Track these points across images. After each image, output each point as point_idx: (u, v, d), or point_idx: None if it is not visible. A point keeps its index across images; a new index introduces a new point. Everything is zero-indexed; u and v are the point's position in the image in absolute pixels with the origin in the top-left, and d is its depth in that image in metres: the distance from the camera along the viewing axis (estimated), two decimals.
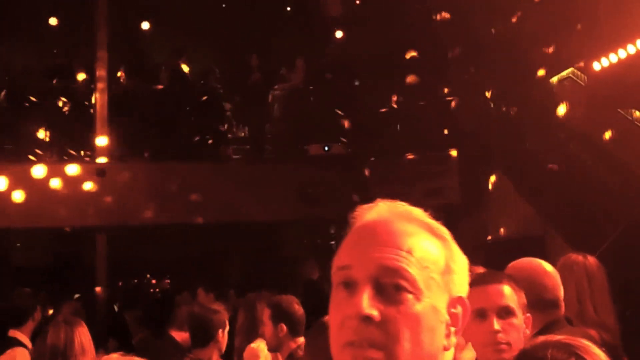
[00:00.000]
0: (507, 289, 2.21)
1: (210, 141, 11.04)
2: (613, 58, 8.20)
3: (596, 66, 8.48)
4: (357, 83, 11.17)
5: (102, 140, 10.22)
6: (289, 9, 13.01)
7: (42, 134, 10.63)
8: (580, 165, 8.92)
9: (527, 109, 9.28)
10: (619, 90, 8.53)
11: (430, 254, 1.17)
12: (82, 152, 10.43)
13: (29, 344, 4.73)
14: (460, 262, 1.23)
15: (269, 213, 10.44)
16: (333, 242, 13.08)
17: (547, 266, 2.75)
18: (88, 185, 9.78)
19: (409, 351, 1.10)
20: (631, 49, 7.90)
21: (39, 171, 9.59)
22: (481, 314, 2.15)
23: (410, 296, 1.12)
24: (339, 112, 10.97)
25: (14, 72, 11.18)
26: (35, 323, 4.91)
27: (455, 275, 1.21)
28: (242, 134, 11.95)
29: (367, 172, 10.29)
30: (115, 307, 9.84)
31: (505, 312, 2.19)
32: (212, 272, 11.29)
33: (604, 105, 8.80)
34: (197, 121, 11.08)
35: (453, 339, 1.19)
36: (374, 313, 1.09)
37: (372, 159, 10.48)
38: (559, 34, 8.71)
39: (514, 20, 8.99)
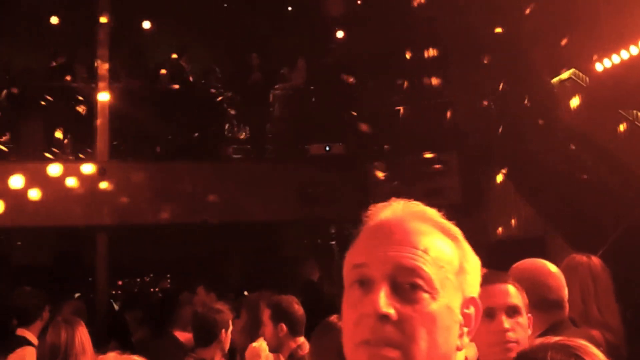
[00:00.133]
0: (512, 288, 2.22)
1: (211, 141, 11.04)
2: (615, 59, 8.20)
3: (598, 67, 8.49)
4: (358, 83, 11.16)
5: (102, 140, 10.21)
6: (290, 8, 13.01)
7: (41, 133, 10.61)
8: (581, 165, 8.92)
9: (528, 109, 9.28)
10: (620, 91, 8.53)
11: (444, 253, 1.18)
12: (82, 151, 10.42)
13: (37, 343, 4.73)
14: (473, 263, 1.24)
15: (270, 213, 10.44)
16: (333, 242, 13.09)
17: (552, 267, 2.75)
18: (88, 185, 9.77)
19: (425, 350, 1.10)
20: (633, 50, 7.91)
21: (39, 170, 9.59)
22: (489, 314, 2.15)
23: (426, 295, 1.12)
24: (340, 112, 10.96)
25: (14, 71, 11.17)
26: (44, 322, 4.91)
27: (469, 275, 1.22)
28: (243, 133, 11.95)
29: (367, 173, 10.30)
30: (116, 306, 9.84)
31: (513, 311, 2.19)
32: (212, 271, 11.29)
33: (605, 106, 8.80)
34: (198, 121, 11.07)
35: (466, 340, 1.19)
36: (391, 312, 1.09)
37: (373, 159, 10.48)
38: (560, 34, 8.72)
39: (515, 20, 8.99)
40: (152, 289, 12.78)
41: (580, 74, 9.33)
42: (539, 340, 1.48)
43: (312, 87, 11.76)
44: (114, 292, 11.68)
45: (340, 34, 12.11)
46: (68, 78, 10.89)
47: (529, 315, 2.25)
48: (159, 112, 10.82)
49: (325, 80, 11.48)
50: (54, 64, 11.12)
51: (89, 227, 9.93)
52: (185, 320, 5.19)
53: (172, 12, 11.85)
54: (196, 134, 10.98)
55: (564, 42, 8.76)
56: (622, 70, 8.07)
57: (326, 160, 10.73)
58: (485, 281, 2.18)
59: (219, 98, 11.49)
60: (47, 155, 10.15)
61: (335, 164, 10.57)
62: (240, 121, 11.92)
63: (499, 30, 9.33)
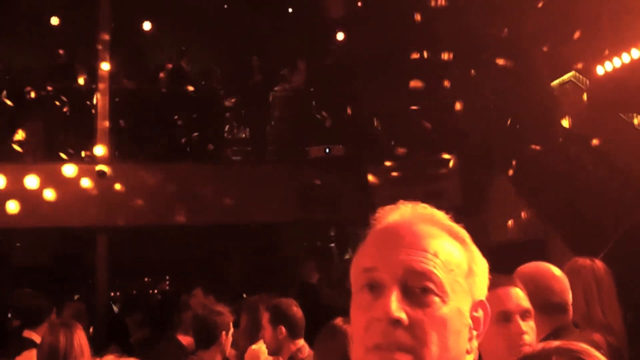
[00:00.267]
0: (522, 292, 2.22)
1: (210, 142, 11.03)
2: (616, 62, 8.20)
3: (599, 70, 8.49)
4: (358, 84, 11.16)
5: (102, 141, 10.21)
6: (290, 10, 13.01)
7: (41, 134, 10.60)
8: (581, 168, 8.92)
9: (528, 111, 9.28)
10: (620, 94, 8.53)
11: (454, 256, 1.17)
12: (82, 153, 10.41)
13: None
14: (481, 265, 1.24)
15: (269, 214, 10.43)
16: (333, 244, 13.08)
17: (555, 270, 2.75)
18: (88, 186, 9.76)
19: (437, 354, 1.10)
20: (634, 53, 7.91)
21: (39, 172, 9.58)
22: (505, 317, 2.15)
23: (437, 299, 1.12)
24: (340, 113, 10.96)
25: (14, 72, 11.16)
26: None
27: (477, 278, 1.22)
28: (243, 135, 11.95)
29: (367, 174, 10.29)
30: (115, 308, 9.83)
31: (527, 314, 2.20)
32: (212, 273, 11.28)
33: (605, 109, 8.80)
34: (198, 122, 11.07)
35: (475, 343, 1.19)
36: (403, 316, 1.09)
37: (373, 161, 10.47)
38: (560, 37, 8.72)
39: (516, 22, 8.99)
40: (151, 291, 12.77)
41: (581, 76, 9.34)
42: (541, 345, 1.48)
43: (312, 89, 11.75)
44: (113, 294, 11.67)
45: (340, 36, 12.11)
46: (68, 79, 10.88)
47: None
48: (159, 113, 10.82)
49: (325, 81, 11.48)
50: (55, 64, 11.11)
51: (89, 228, 9.92)
52: (187, 323, 5.19)
53: (173, 13, 11.85)
54: (196, 136, 10.97)
55: (565, 44, 8.76)
56: (623, 73, 8.07)
57: (326, 162, 10.72)
58: (496, 284, 2.18)
59: (219, 99, 11.48)
60: (47, 156, 10.14)
61: (335, 165, 10.57)
62: (240, 123, 11.92)
63: (499, 31, 9.33)
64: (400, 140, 10.32)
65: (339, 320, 3.34)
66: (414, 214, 1.22)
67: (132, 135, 10.83)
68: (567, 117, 9.26)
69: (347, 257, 12.82)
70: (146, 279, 13.46)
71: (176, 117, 10.91)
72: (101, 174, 9.74)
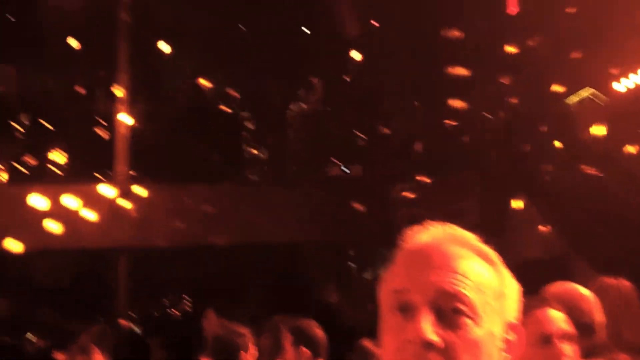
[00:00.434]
0: (561, 313, 2.18)
1: (229, 163, 11.08)
2: (634, 78, 8.16)
3: (616, 86, 8.45)
4: (376, 105, 11.17)
5: (123, 163, 10.28)
6: (307, 31, 13.09)
7: (63, 156, 10.71)
8: (601, 186, 8.85)
9: (548, 129, 9.24)
10: (638, 110, 8.49)
11: (485, 278, 1.16)
12: (103, 174, 10.49)
13: None
14: (512, 287, 1.23)
15: (288, 234, 10.44)
16: (352, 264, 13.02)
17: (583, 290, 2.71)
18: (109, 208, 9.82)
19: None
20: None
21: (62, 193, 9.66)
22: (546, 340, 2.11)
23: (469, 321, 1.10)
24: (359, 134, 10.97)
25: (35, 95, 11.30)
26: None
27: (508, 300, 1.21)
28: (261, 155, 11.99)
29: (386, 194, 10.26)
30: (136, 329, 9.83)
31: (567, 337, 2.16)
32: (232, 294, 11.25)
33: (623, 125, 8.75)
34: (216, 143, 11.13)
35: None
36: (436, 339, 1.08)
37: (391, 180, 10.45)
38: (579, 54, 8.70)
39: (534, 40, 8.99)
40: (171, 311, 12.77)
41: (599, 93, 9.30)
42: None
43: (329, 109, 11.79)
44: (133, 314, 11.67)
45: (356, 56, 12.15)
46: (89, 102, 11.01)
47: None
48: (179, 134, 10.89)
49: (342, 102, 11.51)
50: (75, 87, 11.24)
51: (111, 248, 9.96)
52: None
53: (192, 36, 11.96)
54: (215, 156, 11.03)
55: (582, 61, 8.73)
56: None
57: (344, 181, 10.72)
58: (534, 306, 2.14)
59: (238, 120, 11.54)
60: (68, 178, 10.23)
61: (353, 185, 10.56)
62: (259, 143, 11.96)
63: (518, 50, 9.32)
64: (419, 160, 10.30)
65: (368, 342, 3.32)
66: (444, 235, 1.22)
67: (152, 157, 10.89)
68: (586, 134, 9.21)
69: (367, 276, 12.76)
70: (166, 300, 13.46)
71: (195, 138, 10.97)
72: (122, 195, 9.80)
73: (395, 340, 1.12)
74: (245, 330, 4.76)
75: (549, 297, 2.39)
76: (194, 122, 11.14)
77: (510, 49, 9.44)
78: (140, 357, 6.96)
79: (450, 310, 1.11)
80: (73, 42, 11.78)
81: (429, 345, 1.07)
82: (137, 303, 11.81)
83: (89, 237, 9.72)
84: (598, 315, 2.70)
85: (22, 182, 10.22)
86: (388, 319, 1.16)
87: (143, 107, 11.20)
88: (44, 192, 9.75)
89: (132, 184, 10.18)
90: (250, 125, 11.82)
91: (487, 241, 1.26)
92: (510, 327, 1.20)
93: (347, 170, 10.84)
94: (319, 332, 4.46)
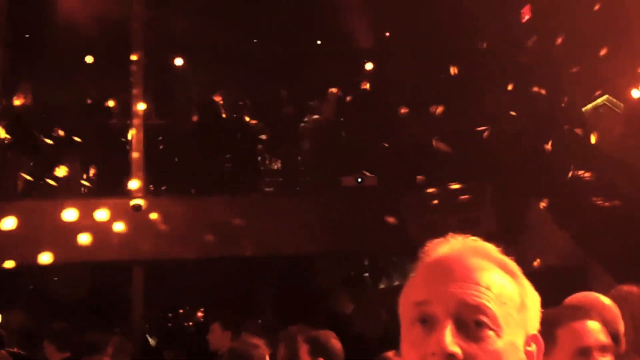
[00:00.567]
0: (599, 324, 2.14)
1: (243, 174, 11.11)
2: None
3: (634, 93, 8.41)
4: (389, 114, 11.17)
5: (137, 175, 10.34)
6: (319, 42, 13.15)
7: (78, 170, 10.79)
8: (619, 193, 8.78)
9: (564, 136, 9.20)
10: None
11: (506, 290, 1.17)
12: (118, 188, 10.55)
13: None
14: (533, 299, 1.23)
15: (302, 245, 10.42)
16: (367, 275, 12.99)
17: (605, 299, 2.69)
18: (124, 220, 9.87)
19: None
20: None
21: (77, 207, 9.73)
22: (584, 352, 2.08)
23: (491, 333, 1.10)
24: (372, 143, 10.96)
25: (50, 109, 11.40)
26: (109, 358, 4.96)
27: (530, 311, 1.21)
28: (275, 166, 12.01)
29: (400, 204, 10.24)
30: (151, 341, 9.85)
31: (605, 349, 2.13)
32: (246, 305, 11.26)
33: None
34: (230, 154, 11.17)
35: None
36: (458, 351, 1.07)
37: (406, 190, 10.43)
38: (594, 60, 8.67)
39: (549, 46, 8.97)
40: (186, 323, 12.79)
41: (615, 100, 9.25)
42: None
43: (342, 119, 11.80)
44: (148, 326, 11.71)
45: (369, 66, 12.18)
46: (103, 115, 11.09)
47: None
48: (193, 147, 10.94)
49: (356, 111, 11.52)
50: (89, 102, 11.34)
51: (125, 262, 10.00)
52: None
53: (204, 49, 12.04)
54: (229, 168, 11.06)
55: (598, 67, 8.70)
56: None
57: (358, 191, 10.71)
58: (572, 317, 2.11)
59: (251, 131, 11.58)
60: (82, 191, 10.30)
61: (367, 195, 10.54)
62: (272, 154, 11.99)
63: (531, 56, 9.31)
64: (433, 169, 10.28)
65: (390, 354, 3.30)
66: (464, 247, 1.22)
67: (166, 169, 10.95)
68: (602, 141, 9.16)
69: (381, 286, 12.73)
70: (181, 311, 13.49)
71: (209, 150, 11.02)
72: (136, 207, 9.85)
73: (417, 352, 1.12)
74: (260, 342, 4.76)
75: (586, 307, 2.35)
76: (208, 134, 11.18)
77: (526, 54, 9.42)
78: None
79: (472, 322, 1.10)
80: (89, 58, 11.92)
81: (451, 357, 1.07)
82: (152, 315, 11.85)
83: (104, 250, 9.77)
84: (621, 324, 2.68)
85: (37, 196, 10.29)
86: (409, 331, 1.16)
87: (158, 121, 11.27)
88: (60, 206, 9.82)
89: (147, 196, 10.23)
90: (263, 137, 11.86)
91: (503, 249, 1.26)
92: (532, 339, 1.20)
93: (361, 180, 10.82)
94: (336, 343, 4.45)
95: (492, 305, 1.12)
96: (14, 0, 10.77)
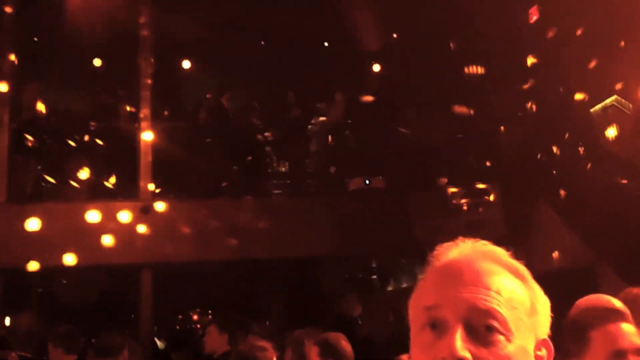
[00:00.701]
0: (633, 327, 2.12)
1: (251, 177, 11.12)
2: None
3: None
4: (396, 116, 11.17)
5: (145, 178, 10.37)
6: (326, 44, 13.15)
7: (86, 173, 10.81)
8: (628, 194, 8.74)
9: (571, 137, 9.16)
10: None
11: (516, 294, 1.16)
12: (126, 190, 10.57)
13: None
14: (543, 303, 1.23)
15: (310, 248, 10.41)
16: (374, 277, 12.98)
17: (617, 302, 2.68)
18: (132, 223, 9.89)
19: None
20: None
21: (84, 211, 9.75)
22: (619, 355, 2.05)
23: (501, 337, 1.10)
24: (379, 145, 10.95)
25: (58, 113, 11.44)
26: None
27: (540, 316, 1.20)
28: (283, 168, 12.02)
29: (408, 206, 10.22)
30: (160, 344, 9.86)
31: (639, 352, 2.09)
32: (255, 308, 11.26)
33: None
34: (238, 157, 11.17)
35: None
36: (468, 355, 1.07)
37: (413, 192, 10.41)
38: (603, 60, 8.63)
39: (556, 47, 8.94)
40: (194, 326, 12.80)
41: (624, 100, 9.21)
42: None
43: (349, 121, 11.80)
44: (157, 329, 11.73)
45: (377, 68, 12.17)
46: (111, 118, 11.13)
47: None
48: (201, 150, 10.95)
49: (363, 114, 11.51)
50: (97, 105, 11.38)
51: (134, 264, 10.02)
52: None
53: (212, 52, 12.07)
54: (237, 170, 11.07)
55: (607, 68, 8.66)
56: None
57: (366, 193, 10.70)
58: (606, 320, 2.09)
59: (259, 134, 11.59)
60: (91, 194, 10.32)
61: (375, 197, 10.53)
62: (280, 156, 12.00)
63: (538, 57, 9.28)
64: (441, 171, 10.26)
65: (405, 357, 3.30)
66: (474, 251, 1.22)
67: (175, 172, 10.96)
68: (611, 141, 9.12)
69: (389, 289, 12.71)
70: (190, 314, 13.51)
71: (217, 153, 11.03)
72: (145, 210, 9.87)
73: (427, 357, 1.11)
74: (267, 345, 4.76)
75: (582, 311, 2.34)
76: (215, 136, 11.20)
77: (533, 56, 9.39)
78: None
79: (482, 326, 1.10)
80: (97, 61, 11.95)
81: None
82: (160, 318, 11.87)
83: (112, 253, 9.78)
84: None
85: (46, 199, 10.33)
86: (419, 336, 1.15)
87: (166, 124, 11.29)
88: (67, 210, 9.85)
89: (155, 199, 10.25)
90: (271, 139, 11.87)
91: (513, 253, 1.26)
92: (542, 343, 1.19)
93: (369, 182, 10.81)
94: (346, 345, 4.46)
95: (503, 310, 1.12)
96: (24, 6, 10.82)
